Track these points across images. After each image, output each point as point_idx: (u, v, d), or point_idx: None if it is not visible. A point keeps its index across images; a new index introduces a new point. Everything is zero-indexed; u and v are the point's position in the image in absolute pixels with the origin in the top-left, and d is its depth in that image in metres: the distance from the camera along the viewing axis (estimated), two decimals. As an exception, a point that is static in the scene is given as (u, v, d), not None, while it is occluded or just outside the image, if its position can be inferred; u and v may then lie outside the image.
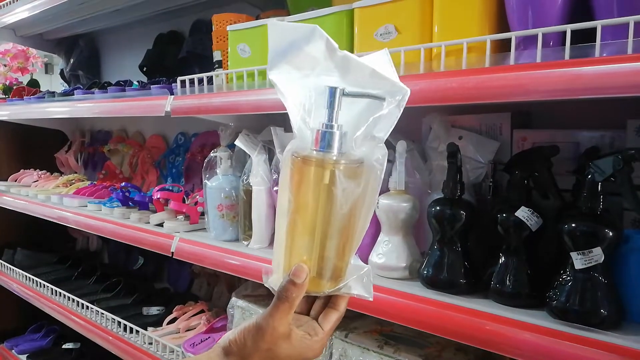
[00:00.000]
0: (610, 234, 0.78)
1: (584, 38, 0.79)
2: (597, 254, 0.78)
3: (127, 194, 1.82)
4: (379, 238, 1.07)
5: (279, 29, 0.60)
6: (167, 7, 2.01)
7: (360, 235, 0.62)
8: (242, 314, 1.37)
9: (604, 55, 0.76)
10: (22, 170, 2.62)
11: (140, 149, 2.28)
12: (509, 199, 0.94)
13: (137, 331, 1.66)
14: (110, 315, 1.77)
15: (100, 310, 1.82)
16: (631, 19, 0.73)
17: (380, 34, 1.04)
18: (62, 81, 2.82)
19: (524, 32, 0.86)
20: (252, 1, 1.68)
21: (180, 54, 1.95)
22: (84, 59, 2.64)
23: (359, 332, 1.14)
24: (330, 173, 0.59)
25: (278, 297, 0.61)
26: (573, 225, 0.81)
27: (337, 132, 0.59)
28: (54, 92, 2.19)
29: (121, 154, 2.38)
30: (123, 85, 1.86)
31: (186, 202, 1.61)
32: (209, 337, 1.53)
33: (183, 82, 1.46)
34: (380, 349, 1.08)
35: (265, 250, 1.30)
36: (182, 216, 1.58)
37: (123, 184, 1.98)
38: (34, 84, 2.79)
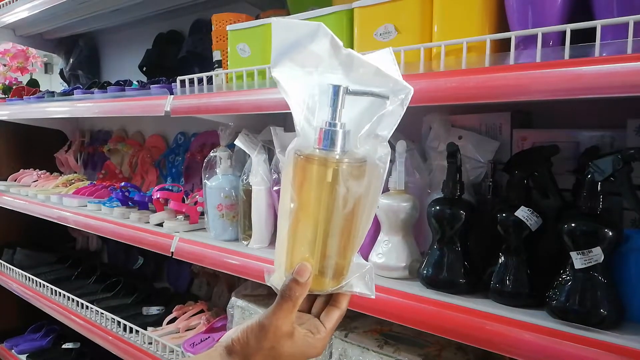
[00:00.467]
0: (610, 233, 0.78)
1: (584, 38, 0.79)
2: (597, 254, 0.78)
3: (126, 193, 1.83)
4: (378, 238, 1.07)
5: (283, 25, 0.60)
6: (167, 7, 2.01)
7: (363, 233, 0.62)
8: (242, 313, 1.37)
9: (604, 55, 0.76)
10: (21, 170, 2.62)
11: (140, 148, 2.28)
12: (508, 199, 0.94)
13: (137, 331, 1.66)
14: (110, 315, 1.77)
15: (100, 310, 1.82)
16: (631, 19, 0.73)
17: (380, 34, 1.04)
18: (61, 81, 2.82)
19: (523, 31, 0.86)
20: (252, 1, 1.68)
21: (180, 53, 1.95)
22: (83, 58, 2.64)
23: (358, 332, 1.14)
24: (333, 172, 0.58)
25: (281, 295, 0.61)
26: (573, 224, 0.81)
27: (341, 131, 0.59)
28: (53, 92, 2.19)
29: (121, 153, 2.38)
30: (123, 85, 1.86)
31: (186, 202, 1.61)
32: (209, 337, 1.53)
33: (183, 82, 1.46)
34: (380, 349, 1.08)
35: (265, 250, 1.30)
36: (181, 216, 1.58)
37: (123, 183, 1.98)
38: (33, 83, 2.79)
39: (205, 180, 1.45)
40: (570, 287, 0.81)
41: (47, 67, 3.75)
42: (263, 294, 1.40)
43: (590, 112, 1.07)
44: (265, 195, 1.29)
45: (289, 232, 0.62)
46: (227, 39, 1.36)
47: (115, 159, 2.42)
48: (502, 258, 0.92)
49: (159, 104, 1.48)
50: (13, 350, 2.41)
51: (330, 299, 0.66)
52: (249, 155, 1.31)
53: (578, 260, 0.80)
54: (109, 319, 1.78)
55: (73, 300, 1.95)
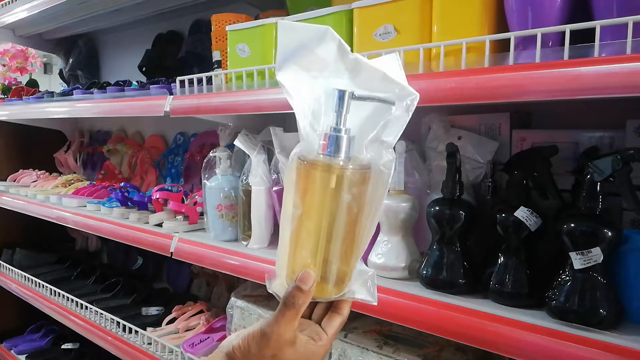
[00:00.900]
0: (610, 234, 0.78)
1: (584, 38, 0.79)
2: (596, 254, 0.78)
3: (126, 194, 1.82)
4: (378, 238, 1.07)
5: (289, 28, 0.59)
6: (166, 7, 2.01)
7: (366, 240, 0.61)
8: (242, 314, 1.37)
9: (603, 55, 0.76)
10: (21, 170, 2.61)
11: (139, 149, 2.28)
12: (508, 199, 0.94)
13: (136, 331, 1.66)
14: (109, 316, 1.77)
15: (100, 311, 1.81)
16: (630, 19, 0.73)
17: (380, 34, 1.04)
18: (61, 81, 2.81)
19: (523, 32, 0.86)
20: (252, 1, 1.68)
21: (180, 54, 1.95)
22: (83, 58, 2.63)
23: (358, 332, 1.14)
24: (337, 178, 0.57)
25: (284, 303, 0.60)
26: (572, 225, 0.81)
27: (345, 136, 0.58)
28: (52, 92, 2.19)
29: (120, 154, 2.38)
30: (122, 85, 1.86)
31: (185, 202, 1.61)
32: (208, 338, 1.53)
33: (182, 82, 1.46)
34: (380, 349, 1.08)
35: (264, 250, 1.30)
36: (181, 216, 1.58)
37: (122, 184, 1.98)
38: (32, 83, 2.79)
39: (205, 181, 1.45)
40: (569, 288, 0.81)
41: (47, 68, 3.75)
42: (263, 295, 1.40)
43: (589, 113, 1.07)
44: (264, 196, 1.29)
45: (292, 237, 0.61)
46: (226, 39, 1.36)
47: (115, 160, 2.41)
48: (502, 258, 0.92)
49: (159, 104, 1.48)
50: (12, 351, 2.41)
51: (332, 305, 0.66)
52: (249, 156, 1.31)
53: (577, 261, 0.80)
54: (108, 320, 1.78)
55: (72, 300, 1.95)
